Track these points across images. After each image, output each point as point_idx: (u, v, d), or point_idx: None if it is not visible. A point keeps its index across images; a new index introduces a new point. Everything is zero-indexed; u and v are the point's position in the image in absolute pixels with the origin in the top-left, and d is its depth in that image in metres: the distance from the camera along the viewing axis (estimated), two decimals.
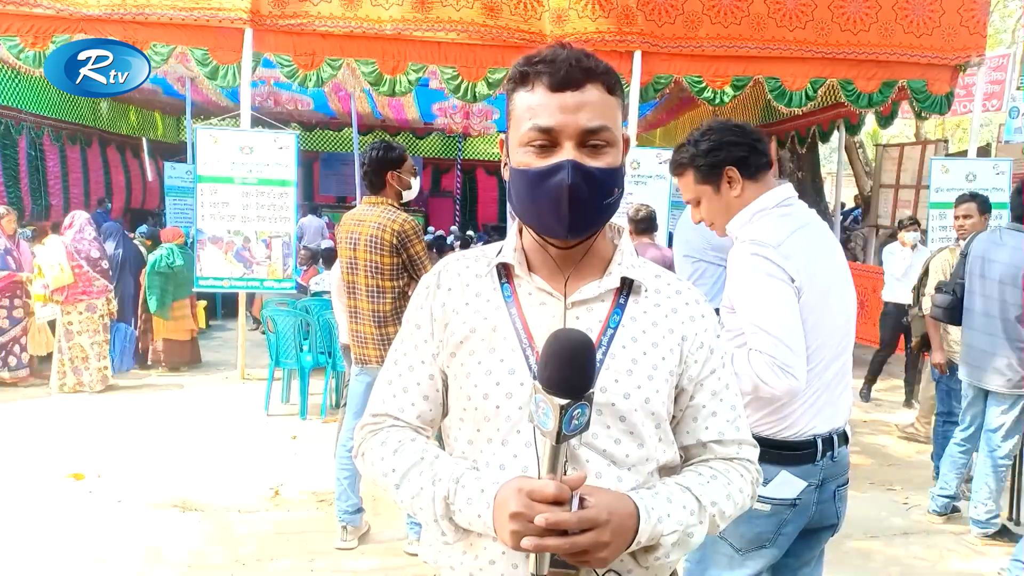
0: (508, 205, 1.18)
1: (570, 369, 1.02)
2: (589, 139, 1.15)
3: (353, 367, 3.69)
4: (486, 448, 1.20)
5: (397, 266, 3.48)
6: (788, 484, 1.86)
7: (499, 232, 16.32)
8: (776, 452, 1.86)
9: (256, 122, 7.55)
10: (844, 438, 1.97)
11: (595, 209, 1.17)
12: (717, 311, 1.75)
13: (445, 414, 1.30)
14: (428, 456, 1.21)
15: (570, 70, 1.14)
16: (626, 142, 1.22)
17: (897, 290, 6.71)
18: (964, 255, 4.02)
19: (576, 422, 1.02)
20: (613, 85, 1.19)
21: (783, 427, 1.89)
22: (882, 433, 5.97)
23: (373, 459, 1.27)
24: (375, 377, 3.59)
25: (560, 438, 1.02)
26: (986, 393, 3.88)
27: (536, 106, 1.15)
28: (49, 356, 6.81)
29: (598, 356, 1.15)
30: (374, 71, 7.15)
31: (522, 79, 1.18)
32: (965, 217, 4.64)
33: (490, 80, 7.28)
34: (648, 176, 7.38)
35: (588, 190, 1.14)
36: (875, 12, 7.31)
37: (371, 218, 3.47)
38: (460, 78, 7.27)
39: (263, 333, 7.50)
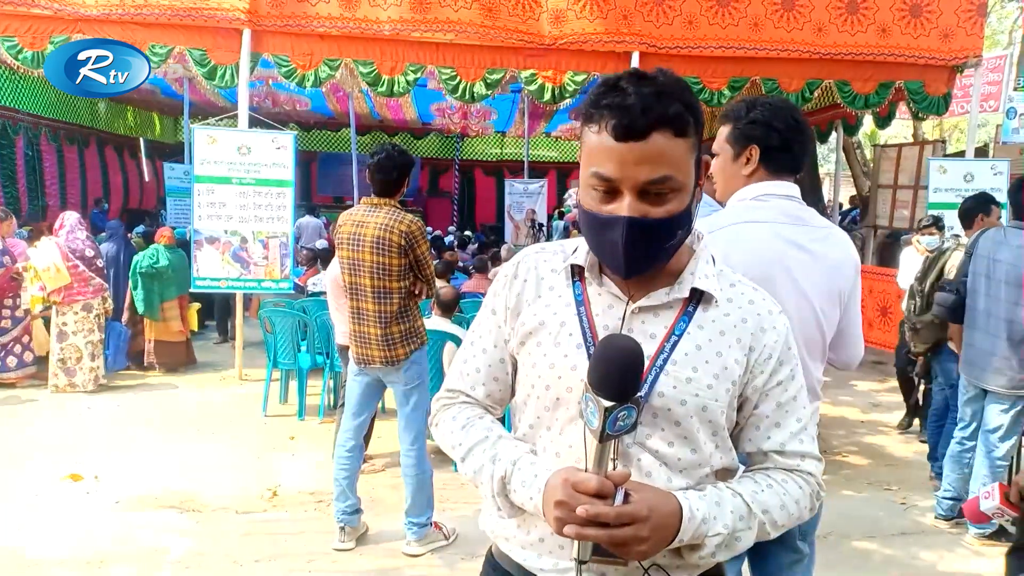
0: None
1: (616, 373, 1.08)
2: (651, 188, 1.16)
3: (351, 367, 3.69)
4: (544, 435, 1.28)
5: (404, 267, 3.49)
6: None
7: (496, 232, 16.32)
8: None
9: (254, 122, 7.55)
10: None
11: (654, 256, 1.21)
12: None
13: (514, 395, 1.38)
14: (492, 436, 1.30)
15: (635, 120, 1.13)
16: (706, 166, 1.25)
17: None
18: (969, 254, 4.01)
19: (621, 424, 1.08)
20: (684, 127, 1.17)
21: None
22: (880, 433, 5.98)
23: (444, 432, 1.38)
24: (375, 378, 3.55)
25: (603, 437, 1.08)
26: (985, 393, 3.89)
27: (599, 152, 1.16)
28: (47, 356, 6.80)
29: (659, 362, 1.21)
30: (372, 72, 7.16)
31: (590, 118, 1.18)
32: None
33: (488, 80, 7.28)
34: None
35: (646, 241, 1.18)
36: (872, 13, 7.33)
37: (376, 219, 3.47)
38: (458, 78, 7.28)
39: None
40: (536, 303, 1.31)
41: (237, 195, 6.93)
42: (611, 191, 1.17)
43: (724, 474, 1.28)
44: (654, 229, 1.16)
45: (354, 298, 3.59)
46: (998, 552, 3.73)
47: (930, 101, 7.69)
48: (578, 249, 1.32)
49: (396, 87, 7.26)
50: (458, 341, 4.75)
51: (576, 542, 1.11)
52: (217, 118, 10.84)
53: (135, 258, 7.24)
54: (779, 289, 1.83)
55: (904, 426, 6.00)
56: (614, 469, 1.13)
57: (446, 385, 1.42)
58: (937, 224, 5.94)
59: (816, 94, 7.60)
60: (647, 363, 1.17)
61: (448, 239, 15.39)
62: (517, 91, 12.59)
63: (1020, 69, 10.91)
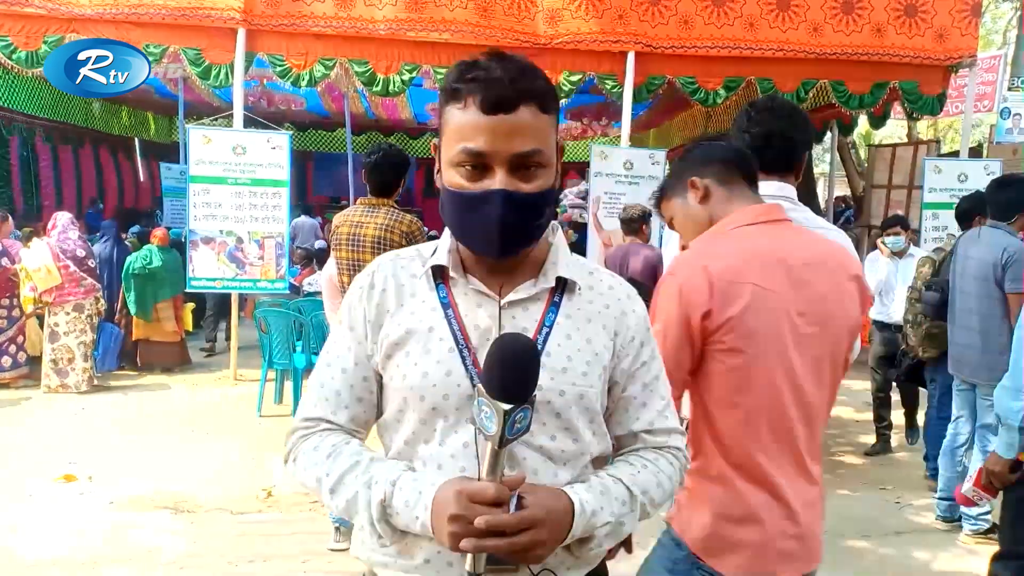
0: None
1: (515, 375, 1.05)
2: (521, 163, 1.15)
3: None
4: (423, 448, 1.22)
5: None
6: None
7: None
8: None
9: (249, 122, 7.54)
10: None
11: (526, 232, 1.20)
12: None
13: (379, 415, 1.30)
14: (364, 459, 1.21)
15: (503, 91, 1.12)
16: (560, 151, 1.24)
17: (879, 308, 5.56)
18: (952, 253, 4.10)
19: (518, 426, 1.04)
20: (548, 104, 1.18)
21: None
22: (874, 433, 5.98)
23: (306, 464, 1.25)
24: None
25: (503, 442, 1.04)
26: (975, 388, 3.92)
27: (467, 127, 1.14)
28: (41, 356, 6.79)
29: None
30: (367, 71, 7.15)
31: (454, 95, 1.16)
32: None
33: None
34: (640, 177, 7.38)
35: (519, 216, 1.16)
36: (867, 13, 7.33)
37: (375, 220, 3.48)
38: None
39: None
40: (399, 312, 1.25)
41: (232, 195, 6.91)
42: (481, 167, 1.14)
43: (599, 461, 1.29)
44: (527, 204, 1.15)
45: None
46: (992, 550, 3.74)
47: (924, 101, 7.69)
48: (437, 251, 1.28)
49: (391, 87, 7.26)
50: None
51: (470, 556, 1.06)
52: (212, 118, 10.83)
53: (128, 259, 7.22)
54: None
55: (876, 452, 5.47)
56: (504, 475, 1.08)
57: (302, 414, 1.30)
58: (902, 224, 5.67)
59: (811, 94, 7.59)
60: None
61: None
62: None
63: (1015, 69, 10.93)
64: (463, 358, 1.19)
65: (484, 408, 1.04)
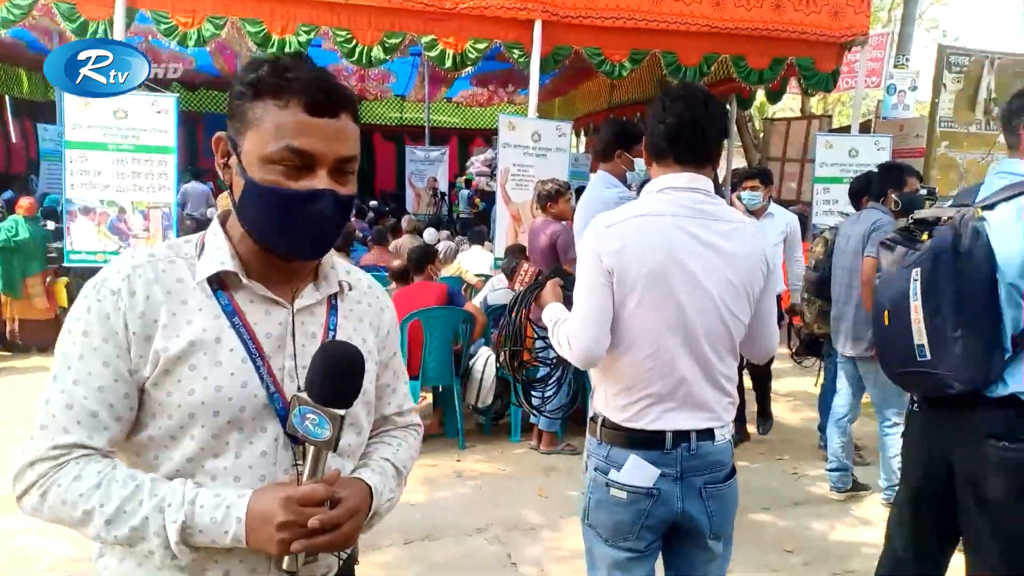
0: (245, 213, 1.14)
1: (348, 382, 1.14)
2: (340, 167, 1.17)
3: None
4: (213, 463, 1.18)
5: None
6: (640, 470, 1.85)
7: (397, 200, 16.00)
8: (624, 435, 1.88)
9: None
10: (707, 434, 1.88)
11: (336, 235, 1.22)
12: None
13: (132, 432, 1.20)
14: (144, 483, 1.13)
15: (329, 95, 1.15)
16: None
17: None
18: (835, 235, 4.32)
19: (343, 427, 1.12)
20: (358, 114, 1.23)
21: (628, 415, 1.87)
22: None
23: (66, 498, 1.12)
24: None
25: (336, 445, 1.11)
26: (854, 361, 4.11)
27: (292, 126, 1.13)
28: None
29: None
30: (261, 31, 6.75)
31: (274, 91, 1.14)
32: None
33: (386, 44, 7.01)
34: (548, 149, 7.31)
35: (341, 217, 1.19)
36: None
37: None
38: (354, 41, 6.97)
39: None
40: (173, 322, 1.16)
41: (114, 162, 6.42)
42: (303, 167, 1.14)
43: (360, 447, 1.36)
44: (347, 206, 1.19)
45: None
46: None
47: (820, 77, 7.94)
48: (208, 253, 1.21)
49: (287, 48, 6.87)
50: None
51: (286, 557, 1.11)
52: None
53: None
54: (673, 282, 1.81)
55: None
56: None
57: (47, 442, 1.13)
58: (762, 178, 4.97)
59: (713, 68, 7.70)
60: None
61: None
62: (417, 54, 12.29)
63: (900, 47, 11.42)
64: (257, 368, 1.18)
65: (310, 415, 1.10)
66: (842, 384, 4.25)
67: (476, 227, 9.08)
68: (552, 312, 2.04)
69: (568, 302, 1.98)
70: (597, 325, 1.82)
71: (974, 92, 7.85)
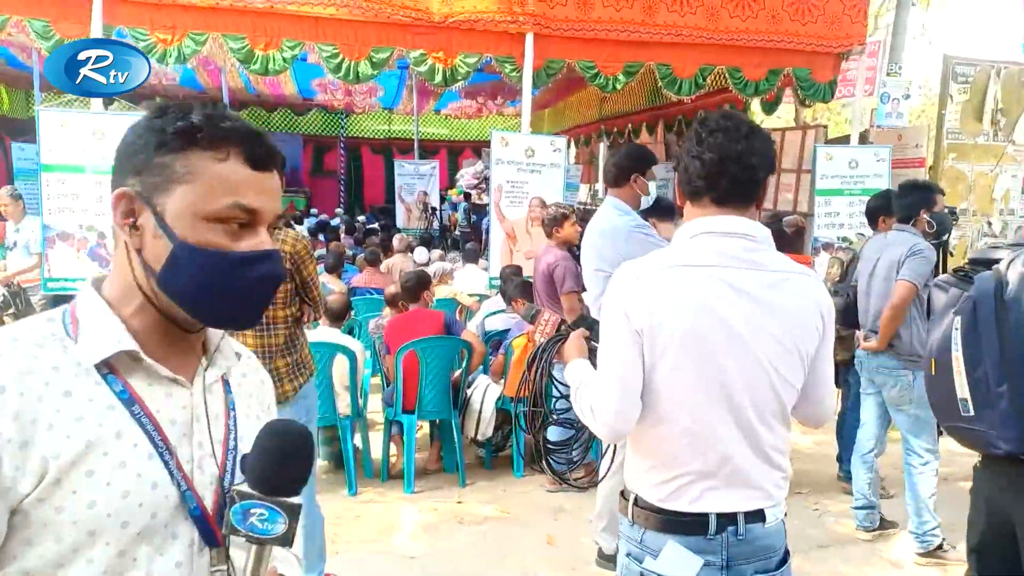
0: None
1: (304, 465, 1.02)
2: (272, 224, 1.09)
3: None
4: None
5: (290, 292, 3.04)
6: (680, 559, 1.60)
7: (387, 214, 15.77)
8: (660, 517, 1.64)
9: (114, 99, 6.78)
10: (757, 515, 1.64)
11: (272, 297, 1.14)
12: None
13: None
14: None
15: (268, 151, 1.06)
16: None
17: None
18: (857, 258, 4.11)
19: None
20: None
21: (665, 494, 1.64)
22: None
23: None
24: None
25: (290, 539, 0.98)
26: (881, 392, 3.90)
27: (237, 181, 1.02)
28: None
29: (231, 444, 1.10)
30: (244, 47, 6.53)
31: (211, 142, 1.01)
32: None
33: (373, 60, 6.81)
34: (542, 164, 7.12)
35: (281, 279, 1.13)
36: None
37: None
38: (341, 56, 6.77)
39: None
40: (59, 419, 0.94)
41: (93, 185, 6.17)
42: (247, 225, 1.04)
43: None
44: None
45: (230, 333, 3.11)
46: (922, 569, 3.71)
47: (817, 88, 7.80)
48: (88, 333, 1.00)
49: (272, 64, 6.66)
50: (350, 354, 4.35)
51: None
52: (68, 98, 9.78)
53: None
54: (714, 344, 1.58)
55: None
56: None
57: None
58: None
59: (708, 79, 7.54)
60: (221, 449, 1.08)
61: (335, 222, 14.73)
62: (404, 67, 12.08)
63: (893, 55, 11.33)
64: (166, 463, 1.01)
65: (257, 510, 0.96)
66: (867, 415, 4.02)
67: (469, 244, 8.86)
68: (576, 371, 1.80)
69: (595, 356, 1.75)
70: (624, 394, 1.60)
71: (981, 103, 7.72)
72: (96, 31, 6.08)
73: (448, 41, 6.84)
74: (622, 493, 1.74)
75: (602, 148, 16.38)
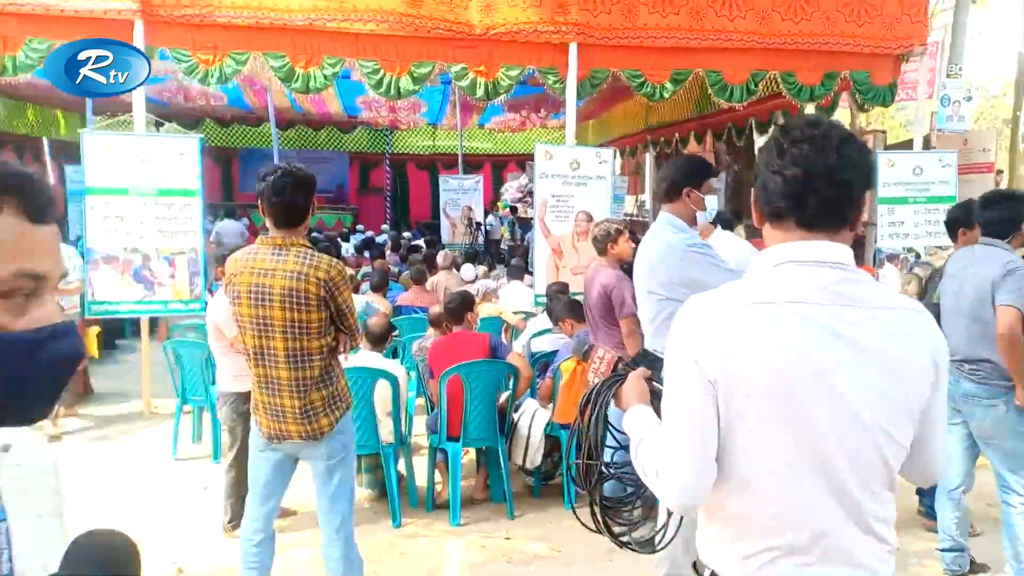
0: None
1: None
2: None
3: (256, 440, 3.00)
4: None
5: (324, 321, 2.82)
6: None
7: (433, 230, 15.71)
8: None
9: (165, 119, 6.78)
10: None
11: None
12: None
13: None
14: None
15: (47, 195, 0.87)
16: None
17: None
18: (940, 275, 3.73)
19: None
20: None
21: (748, 570, 1.39)
22: None
23: None
24: (287, 453, 2.87)
25: None
26: (967, 423, 3.55)
27: (21, 242, 0.83)
28: None
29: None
30: (285, 65, 6.49)
31: None
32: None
33: (415, 75, 6.70)
34: (588, 177, 6.91)
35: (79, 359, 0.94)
36: (817, 0, 7.01)
37: (284, 266, 2.76)
38: (382, 72, 6.67)
39: None
40: None
41: (137, 208, 6.18)
42: (32, 294, 0.86)
43: None
44: None
45: (260, 364, 2.84)
46: None
47: (876, 91, 7.45)
48: None
49: (313, 82, 6.60)
50: (392, 379, 4.18)
51: None
52: (117, 118, 9.91)
53: None
54: (804, 398, 1.31)
55: None
56: None
57: None
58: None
59: (760, 85, 7.24)
60: None
61: (381, 238, 14.70)
62: (447, 82, 12.02)
63: (952, 56, 10.84)
64: None
65: None
66: (953, 448, 3.60)
67: (515, 260, 8.66)
68: (636, 421, 1.54)
69: (659, 400, 1.50)
70: (696, 457, 1.35)
71: None
72: None
73: (489, 54, 6.70)
74: (695, 566, 1.50)
75: (648, 158, 16.09)
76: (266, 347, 2.81)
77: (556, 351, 4.79)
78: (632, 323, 3.78)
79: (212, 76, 6.43)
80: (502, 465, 4.38)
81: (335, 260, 2.86)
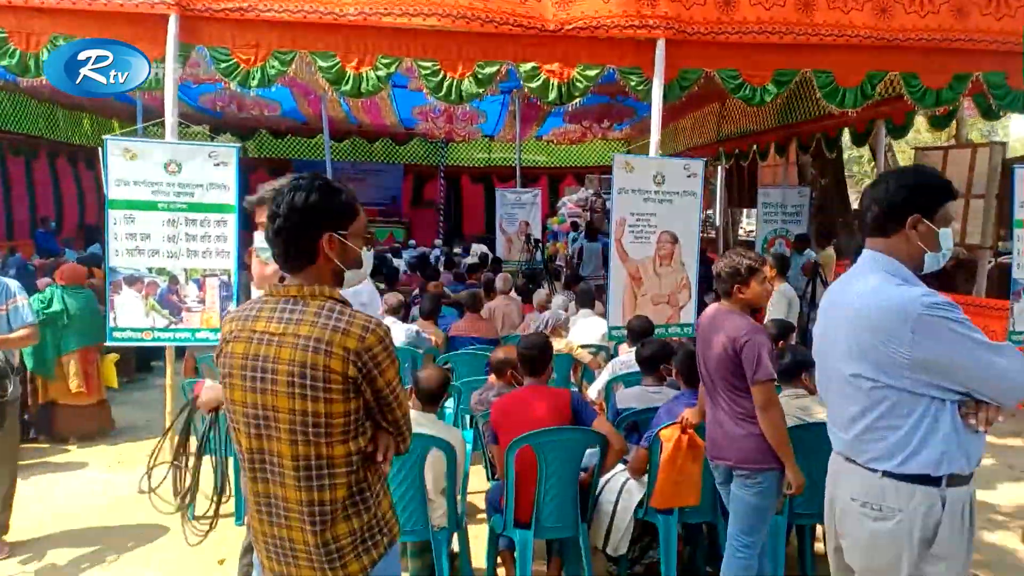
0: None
1: None
2: None
3: None
4: None
5: (355, 414, 1.88)
6: None
7: (487, 243, 14.96)
8: None
9: (219, 130, 6.14)
10: None
11: None
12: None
13: None
14: None
15: None
16: None
17: None
18: None
19: None
20: None
21: None
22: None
23: None
24: None
25: None
26: None
27: None
28: None
29: None
30: (335, 66, 5.74)
31: None
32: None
33: (479, 76, 5.89)
34: (674, 192, 5.99)
35: None
36: None
37: (297, 329, 1.85)
38: (442, 73, 5.88)
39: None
40: None
41: (165, 224, 5.48)
42: None
43: None
44: None
45: (258, 477, 1.93)
46: None
47: (1014, 96, 6.36)
48: None
49: (365, 85, 5.84)
50: (446, 447, 3.32)
51: None
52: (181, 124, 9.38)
53: None
54: None
55: None
56: None
57: None
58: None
59: (877, 89, 6.23)
60: None
61: (435, 254, 13.99)
62: (507, 92, 11.25)
63: None
64: None
65: None
66: None
67: (582, 284, 7.74)
68: None
69: None
70: None
71: None
72: (172, 51, 5.41)
73: (564, 51, 5.85)
74: None
75: (719, 171, 15.06)
76: (266, 451, 1.90)
77: (649, 409, 3.87)
78: (770, 390, 2.86)
79: (253, 78, 5.72)
80: (583, 557, 3.47)
81: (374, 320, 1.91)
